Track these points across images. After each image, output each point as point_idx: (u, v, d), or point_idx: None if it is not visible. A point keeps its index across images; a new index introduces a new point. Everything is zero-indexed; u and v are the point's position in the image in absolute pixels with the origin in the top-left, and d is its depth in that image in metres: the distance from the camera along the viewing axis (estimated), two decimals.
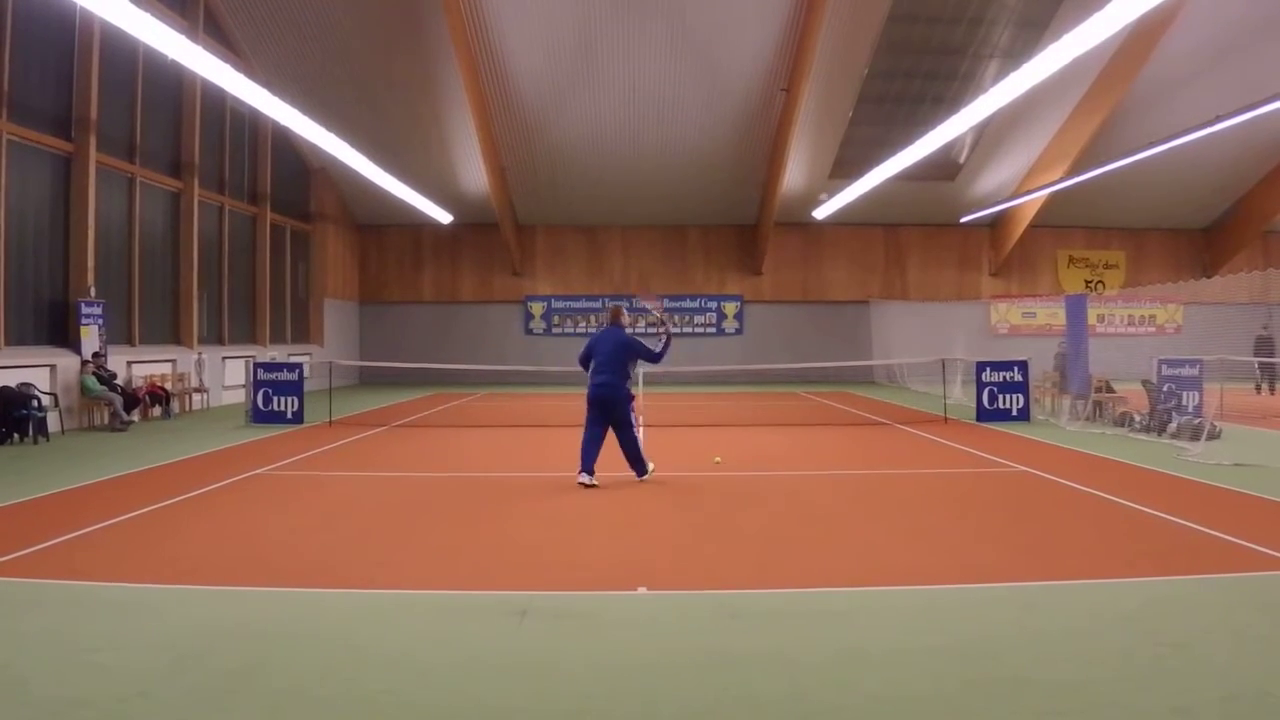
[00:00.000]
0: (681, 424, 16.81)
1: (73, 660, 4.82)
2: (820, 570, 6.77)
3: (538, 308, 32.42)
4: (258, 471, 11.40)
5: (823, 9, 21.31)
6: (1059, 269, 32.95)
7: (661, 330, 10.97)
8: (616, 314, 10.54)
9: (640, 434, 11.20)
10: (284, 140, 26.09)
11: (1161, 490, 9.93)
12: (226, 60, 17.22)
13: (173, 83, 20.68)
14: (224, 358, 22.77)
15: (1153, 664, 4.78)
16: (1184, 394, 15.59)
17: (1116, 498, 9.36)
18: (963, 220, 30.14)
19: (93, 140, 17.37)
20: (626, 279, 32.48)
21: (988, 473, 11.45)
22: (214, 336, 23.15)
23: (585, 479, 10.05)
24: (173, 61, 15.04)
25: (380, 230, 32.37)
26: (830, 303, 32.38)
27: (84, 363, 16.62)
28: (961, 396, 20.65)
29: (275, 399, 17.27)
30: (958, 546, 7.45)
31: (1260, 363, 22.45)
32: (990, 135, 27.28)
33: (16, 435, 14.28)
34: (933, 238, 32.47)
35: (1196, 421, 14.10)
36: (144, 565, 6.84)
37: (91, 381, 16.37)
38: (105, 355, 17.17)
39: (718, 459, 11.85)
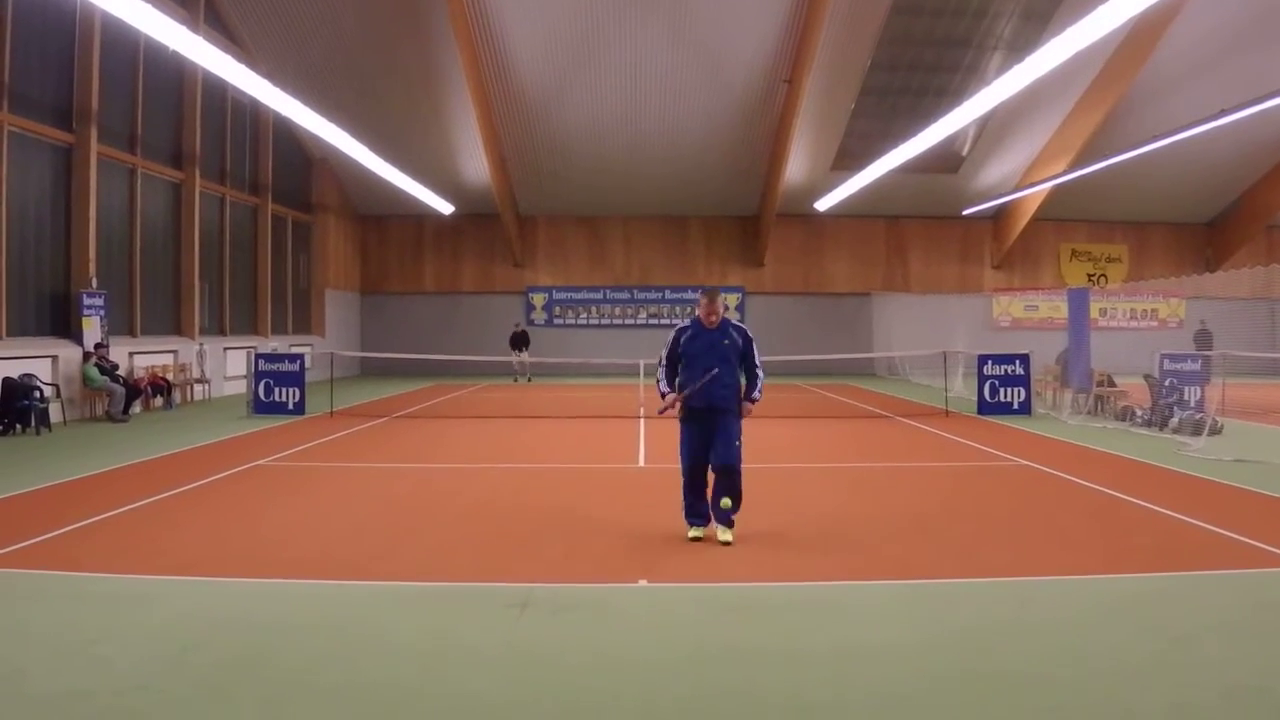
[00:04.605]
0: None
1: (73, 652, 4.83)
2: (819, 563, 6.77)
3: (539, 299, 32.40)
4: (259, 462, 11.41)
5: (826, 0, 21.24)
6: (1061, 262, 32.89)
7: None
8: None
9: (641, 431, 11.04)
10: (285, 131, 26.04)
11: (1162, 485, 9.93)
12: (228, 51, 17.16)
13: (174, 74, 20.63)
14: (225, 349, 22.78)
15: (1151, 659, 4.79)
16: (1186, 389, 15.56)
17: (1117, 492, 9.36)
18: (965, 213, 30.10)
19: (94, 131, 17.34)
20: (628, 270, 32.45)
21: (988, 466, 11.45)
22: (215, 327, 23.15)
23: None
24: (174, 52, 15.01)
25: (381, 221, 32.35)
26: (832, 295, 32.33)
27: (87, 353, 16.64)
28: (963, 390, 20.64)
29: (276, 390, 17.26)
30: (957, 540, 7.45)
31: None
32: (993, 128, 27.21)
33: (19, 426, 14.30)
34: (935, 230, 32.41)
35: (1198, 417, 14.10)
36: (145, 557, 6.85)
37: (94, 372, 16.39)
38: (107, 346, 17.17)
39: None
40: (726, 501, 7.26)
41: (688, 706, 4.24)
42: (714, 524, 7.40)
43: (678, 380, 7.62)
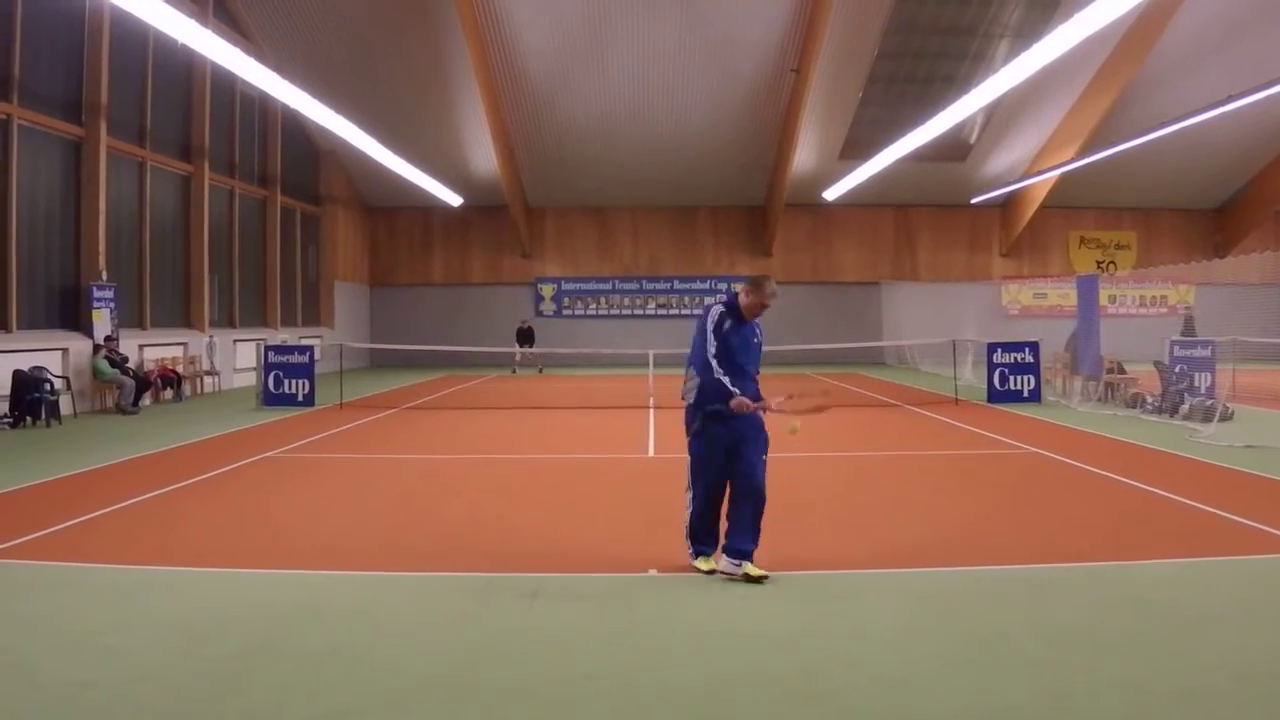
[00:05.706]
0: None
1: (81, 643, 4.86)
2: (830, 552, 6.77)
3: (548, 289, 32.42)
4: (269, 454, 11.44)
5: None
6: (1070, 250, 32.78)
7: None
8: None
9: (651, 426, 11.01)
10: (294, 123, 26.07)
11: (1173, 472, 9.90)
12: (236, 44, 17.17)
13: (183, 67, 20.66)
14: (235, 341, 22.83)
15: (1163, 646, 4.78)
16: (1196, 375, 15.51)
17: (1128, 479, 9.34)
18: (973, 201, 29.99)
19: (103, 125, 17.38)
20: (636, 260, 32.45)
21: (999, 454, 11.44)
22: (225, 320, 23.21)
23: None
24: (183, 46, 15.03)
25: (390, 212, 32.38)
26: (840, 284, 32.30)
27: (97, 346, 16.71)
28: (972, 378, 20.57)
29: (286, 382, 17.32)
30: (968, 528, 7.44)
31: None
32: (1001, 115, 27.09)
33: (29, 418, 14.36)
34: (943, 218, 32.33)
35: (1208, 403, 14.05)
36: (154, 548, 6.88)
37: (104, 364, 16.45)
38: (117, 339, 17.24)
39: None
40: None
41: (699, 694, 4.25)
42: (738, 563, 5.95)
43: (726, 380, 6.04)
